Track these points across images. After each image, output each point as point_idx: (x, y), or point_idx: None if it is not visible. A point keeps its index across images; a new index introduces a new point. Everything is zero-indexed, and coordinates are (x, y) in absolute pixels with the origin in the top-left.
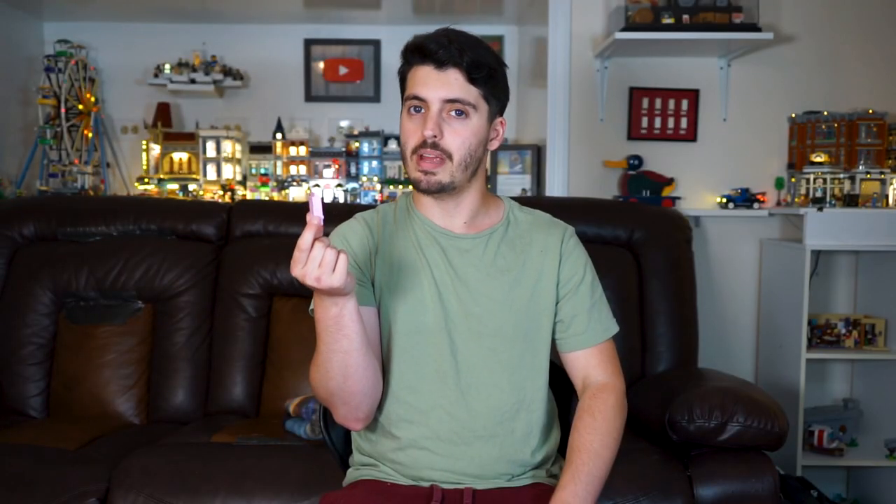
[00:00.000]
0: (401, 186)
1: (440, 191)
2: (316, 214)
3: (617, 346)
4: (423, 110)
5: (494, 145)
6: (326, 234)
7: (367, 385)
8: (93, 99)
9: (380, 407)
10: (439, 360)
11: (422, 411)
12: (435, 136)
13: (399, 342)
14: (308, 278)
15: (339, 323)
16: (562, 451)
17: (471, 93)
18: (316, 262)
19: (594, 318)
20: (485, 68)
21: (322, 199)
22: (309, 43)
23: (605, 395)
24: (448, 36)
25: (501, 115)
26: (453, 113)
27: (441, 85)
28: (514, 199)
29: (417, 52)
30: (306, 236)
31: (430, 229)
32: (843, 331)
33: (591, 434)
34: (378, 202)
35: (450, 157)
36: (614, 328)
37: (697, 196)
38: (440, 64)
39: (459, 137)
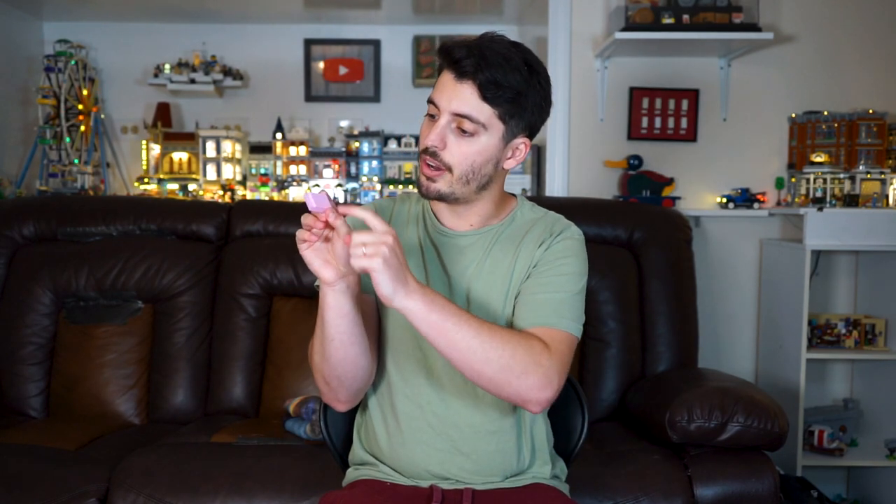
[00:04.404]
0: (401, 186)
1: (439, 199)
2: (313, 209)
3: (617, 346)
4: (436, 117)
5: (510, 165)
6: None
7: (346, 374)
8: (93, 99)
9: (378, 400)
10: (435, 355)
11: (419, 405)
12: (437, 147)
13: (395, 334)
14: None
15: (323, 311)
16: (559, 451)
17: (483, 111)
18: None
19: (553, 303)
20: (505, 89)
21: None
22: (309, 43)
23: (538, 341)
24: (475, 46)
25: (529, 136)
26: (460, 129)
27: (454, 96)
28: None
29: (445, 56)
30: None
31: (433, 226)
32: (844, 331)
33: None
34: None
35: (449, 169)
36: (571, 325)
37: (697, 196)
38: (459, 74)
39: (461, 154)
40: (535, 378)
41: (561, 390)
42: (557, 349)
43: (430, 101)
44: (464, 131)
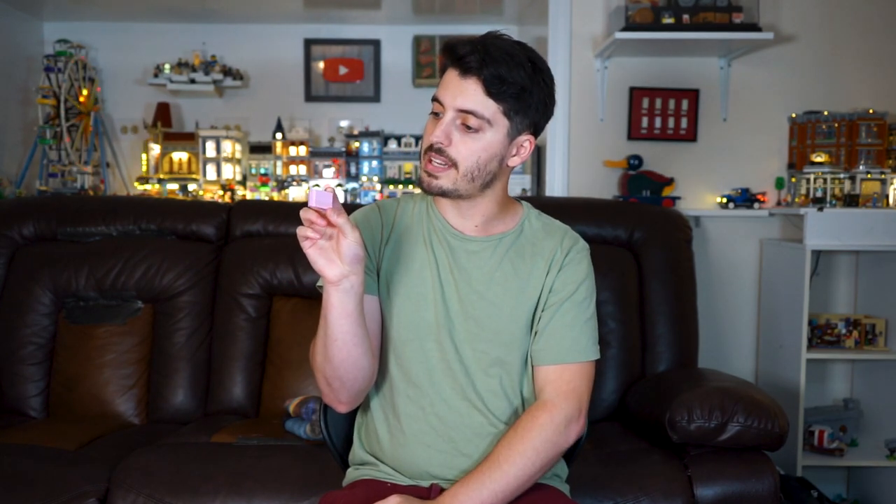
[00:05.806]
0: (401, 186)
1: (441, 195)
2: (313, 206)
3: (617, 346)
4: (441, 114)
5: (514, 162)
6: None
7: (347, 375)
8: (93, 99)
9: (380, 400)
10: (438, 358)
11: (421, 406)
12: (442, 144)
13: (399, 335)
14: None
15: (327, 311)
16: None
17: (488, 107)
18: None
19: (569, 336)
20: (509, 84)
21: (317, 191)
22: (309, 43)
23: (538, 412)
24: (479, 43)
25: (534, 133)
26: (465, 125)
27: (459, 93)
28: (534, 203)
29: (449, 53)
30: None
31: (442, 228)
32: (844, 331)
33: (501, 445)
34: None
35: (455, 165)
36: (590, 354)
37: (697, 196)
38: (464, 71)
39: (467, 149)
40: (564, 442)
41: (586, 416)
42: (574, 391)
43: (435, 99)
44: (469, 128)
